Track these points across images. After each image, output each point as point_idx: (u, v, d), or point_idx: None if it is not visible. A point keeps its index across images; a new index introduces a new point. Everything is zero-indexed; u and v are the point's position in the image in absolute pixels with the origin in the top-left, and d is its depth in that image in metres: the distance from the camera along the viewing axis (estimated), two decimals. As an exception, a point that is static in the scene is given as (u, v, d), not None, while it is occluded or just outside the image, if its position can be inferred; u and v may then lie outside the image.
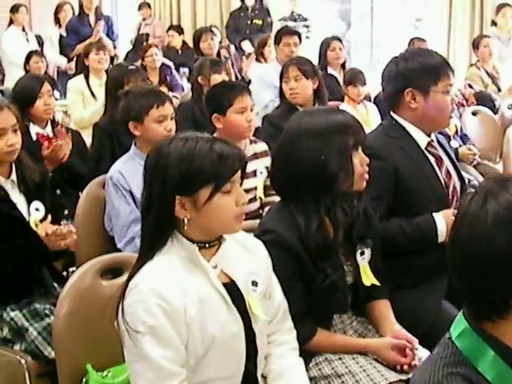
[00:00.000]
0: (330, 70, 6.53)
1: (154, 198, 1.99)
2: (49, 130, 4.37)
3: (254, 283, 2.11)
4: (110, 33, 8.87)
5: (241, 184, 2.06)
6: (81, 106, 6.14)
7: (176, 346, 1.92)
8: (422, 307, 2.74)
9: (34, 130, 4.31)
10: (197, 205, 1.96)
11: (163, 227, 2.01)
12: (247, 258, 2.15)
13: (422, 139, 2.93)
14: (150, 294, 1.91)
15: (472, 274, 1.43)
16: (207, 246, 2.05)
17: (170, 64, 7.80)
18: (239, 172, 2.02)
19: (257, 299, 2.09)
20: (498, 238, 1.37)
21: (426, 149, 2.93)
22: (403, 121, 2.94)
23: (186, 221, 1.98)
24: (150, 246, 2.01)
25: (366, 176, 2.43)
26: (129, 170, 3.31)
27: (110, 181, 3.32)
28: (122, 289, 1.99)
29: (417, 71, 2.87)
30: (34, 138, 4.26)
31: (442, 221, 2.77)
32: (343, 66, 6.75)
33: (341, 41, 6.83)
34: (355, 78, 5.95)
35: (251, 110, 3.63)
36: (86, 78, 6.29)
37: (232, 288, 2.06)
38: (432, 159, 2.93)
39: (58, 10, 9.17)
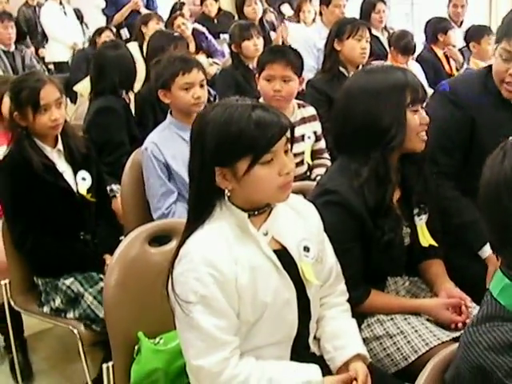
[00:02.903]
0: (373, 31, 6.40)
1: (195, 168, 1.94)
2: None
3: (306, 249, 2.07)
4: (150, 2, 8.82)
5: (291, 150, 1.97)
6: None
7: (227, 314, 1.90)
8: (472, 264, 2.70)
9: None
10: (237, 176, 1.89)
11: (206, 197, 1.96)
12: (299, 223, 2.11)
13: None
14: (201, 263, 1.87)
15: (496, 220, 1.47)
16: (256, 213, 2.00)
17: (204, 30, 7.73)
18: (283, 140, 1.90)
19: (309, 264, 2.06)
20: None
21: None
22: None
23: (227, 191, 1.93)
24: (197, 214, 1.97)
25: (424, 136, 2.37)
26: (164, 139, 3.28)
27: (145, 152, 3.28)
28: (172, 258, 1.96)
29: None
30: None
31: None
32: (385, 27, 6.67)
33: (385, 3, 6.72)
34: (410, 47, 5.82)
35: (284, 80, 3.46)
36: (140, 46, 6.11)
37: (283, 255, 2.02)
38: None
39: None
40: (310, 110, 3.80)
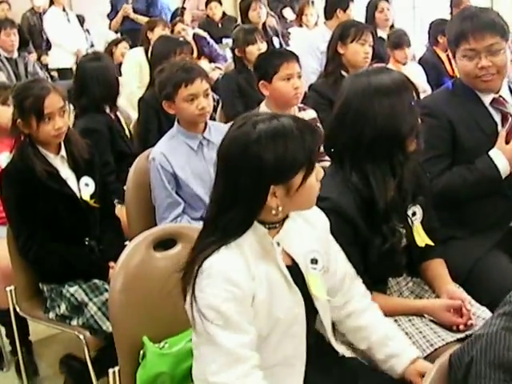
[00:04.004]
0: (380, 33, 6.35)
1: (246, 189, 1.86)
2: None
3: (314, 261, 2.07)
4: (153, 7, 8.80)
5: None
6: (136, 79, 6.05)
7: (246, 330, 1.88)
8: (461, 258, 2.70)
9: None
10: (290, 191, 1.88)
11: (253, 218, 1.93)
12: (308, 233, 2.10)
13: (485, 96, 2.88)
14: (219, 279, 1.86)
15: None
16: (277, 225, 1.99)
17: (205, 34, 7.71)
18: None
19: (317, 277, 2.06)
20: None
21: (491, 104, 2.88)
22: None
23: (280, 208, 1.90)
24: (234, 234, 1.92)
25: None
26: (172, 149, 3.23)
27: (152, 162, 3.23)
28: (183, 270, 1.94)
29: (448, 36, 2.91)
30: None
31: (501, 156, 2.75)
32: (392, 27, 6.64)
33: (387, 1, 6.69)
34: (401, 40, 5.85)
35: (298, 76, 3.56)
36: (146, 51, 6.04)
37: (294, 269, 2.02)
38: (496, 115, 2.88)
39: None
40: (311, 113, 3.81)
